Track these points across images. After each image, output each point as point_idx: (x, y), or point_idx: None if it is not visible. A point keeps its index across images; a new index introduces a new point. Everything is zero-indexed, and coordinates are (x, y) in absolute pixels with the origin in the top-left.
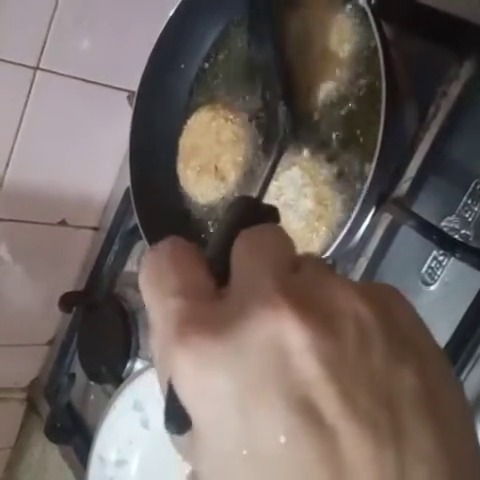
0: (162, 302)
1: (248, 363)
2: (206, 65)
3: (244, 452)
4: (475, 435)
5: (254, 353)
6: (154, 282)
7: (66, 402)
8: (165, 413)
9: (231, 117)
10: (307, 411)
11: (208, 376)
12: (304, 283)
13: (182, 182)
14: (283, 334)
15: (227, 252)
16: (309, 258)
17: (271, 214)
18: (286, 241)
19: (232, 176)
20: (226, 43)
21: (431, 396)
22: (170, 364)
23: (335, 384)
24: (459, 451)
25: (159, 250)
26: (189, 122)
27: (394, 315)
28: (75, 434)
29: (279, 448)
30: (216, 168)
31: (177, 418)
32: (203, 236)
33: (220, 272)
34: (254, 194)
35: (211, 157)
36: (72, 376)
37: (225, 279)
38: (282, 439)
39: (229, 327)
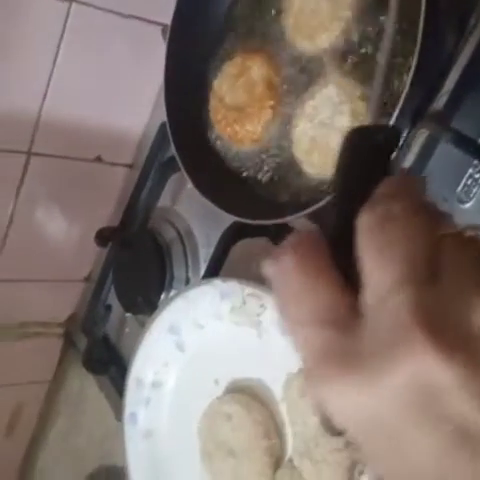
0: (299, 329)
1: (391, 401)
2: None
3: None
4: None
5: (397, 392)
6: (288, 305)
7: (102, 334)
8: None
9: (264, 66)
10: (463, 440)
11: (353, 411)
12: (445, 304)
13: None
14: (428, 373)
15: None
16: (450, 257)
17: (391, 138)
18: (420, 221)
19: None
20: None
21: None
22: (317, 391)
23: None
24: None
25: (286, 260)
26: (223, 68)
27: None
28: (111, 365)
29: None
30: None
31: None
32: (236, 167)
33: (348, 265)
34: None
35: (243, 105)
36: (108, 307)
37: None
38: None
39: (369, 366)
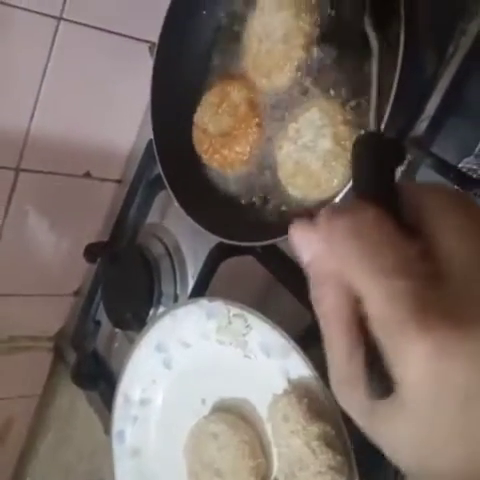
0: (384, 280)
1: None
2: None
3: (456, 432)
4: None
5: None
6: (368, 256)
7: (92, 349)
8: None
9: (244, 89)
10: None
11: (445, 366)
12: None
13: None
14: None
15: (388, 191)
16: None
17: (398, 149)
18: None
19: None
20: None
21: None
22: (399, 344)
23: None
24: None
25: (358, 219)
26: (202, 100)
27: None
28: (100, 380)
29: None
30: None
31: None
32: (222, 186)
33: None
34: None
35: (228, 129)
36: (98, 323)
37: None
38: None
39: (468, 321)
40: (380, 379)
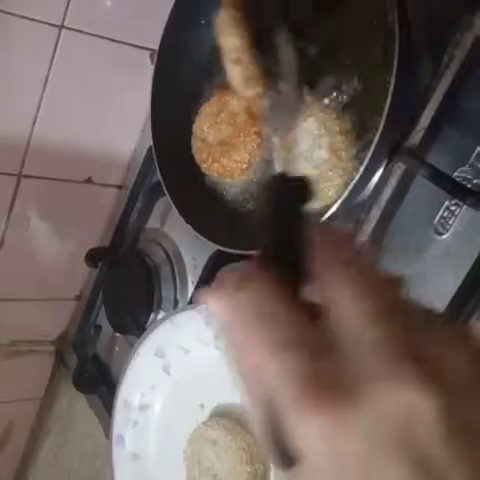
0: (275, 355)
1: (376, 430)
2: None
3: None
4: None
5: (382, 420)
6: (263, 331)
7: (93, 353)
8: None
9: (243, 98)
10: (429, 473)
11: (337, 439)
12: (415, 340)
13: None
14: (411, 404)
15: (288, 244)
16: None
17: (304, 186)
18: (376, 269)
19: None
20: None
21: None
22: (294, 421)
23: (459, 452)
24: None
25: (256, 291)
26: (201, 111)
27: None
28: (101, 384)
29: None
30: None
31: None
32: (221, 194)
33: (296, 277)
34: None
35: (227, 138)
36: (98, 328)
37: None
38: None
39: (357, 394)
40: (283, 452)
